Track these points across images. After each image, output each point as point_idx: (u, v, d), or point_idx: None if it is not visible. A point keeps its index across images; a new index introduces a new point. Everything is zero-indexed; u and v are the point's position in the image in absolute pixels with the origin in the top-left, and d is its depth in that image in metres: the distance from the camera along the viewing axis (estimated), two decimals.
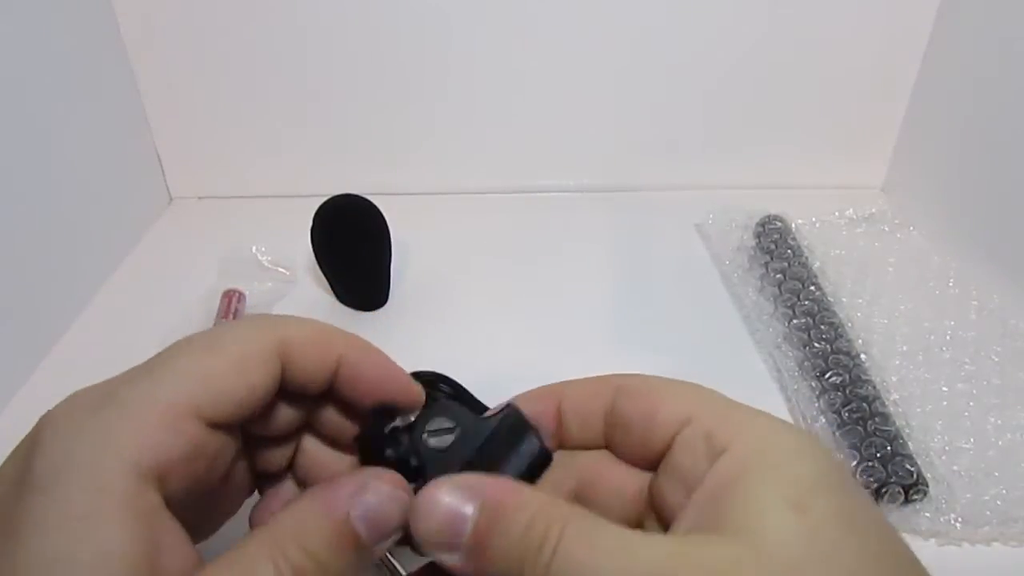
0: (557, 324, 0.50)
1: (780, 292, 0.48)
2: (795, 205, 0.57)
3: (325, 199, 0.48)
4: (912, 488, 0.36)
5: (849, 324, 0.46)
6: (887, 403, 0.40)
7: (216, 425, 0.21)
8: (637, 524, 0.24)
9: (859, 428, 0.39)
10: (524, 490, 0.20)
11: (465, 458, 0.23)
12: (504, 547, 0.19)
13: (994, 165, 0.52)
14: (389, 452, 0.22)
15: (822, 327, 0.45)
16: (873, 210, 0.59)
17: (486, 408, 0.25)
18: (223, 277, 0.52)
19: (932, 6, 0.57)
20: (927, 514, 0.35)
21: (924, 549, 0.35)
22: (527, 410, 0.24)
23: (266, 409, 0.23)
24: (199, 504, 0.22)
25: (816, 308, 0.46)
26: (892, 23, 0.58)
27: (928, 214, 0.58)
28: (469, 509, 0.19)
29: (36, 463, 0.18)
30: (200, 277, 0.52)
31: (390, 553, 0.21)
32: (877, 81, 0.60)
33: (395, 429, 0.23)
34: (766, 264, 0.51)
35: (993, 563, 0.35)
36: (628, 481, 0.23)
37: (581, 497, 0.24)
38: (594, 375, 0.25)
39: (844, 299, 0.49)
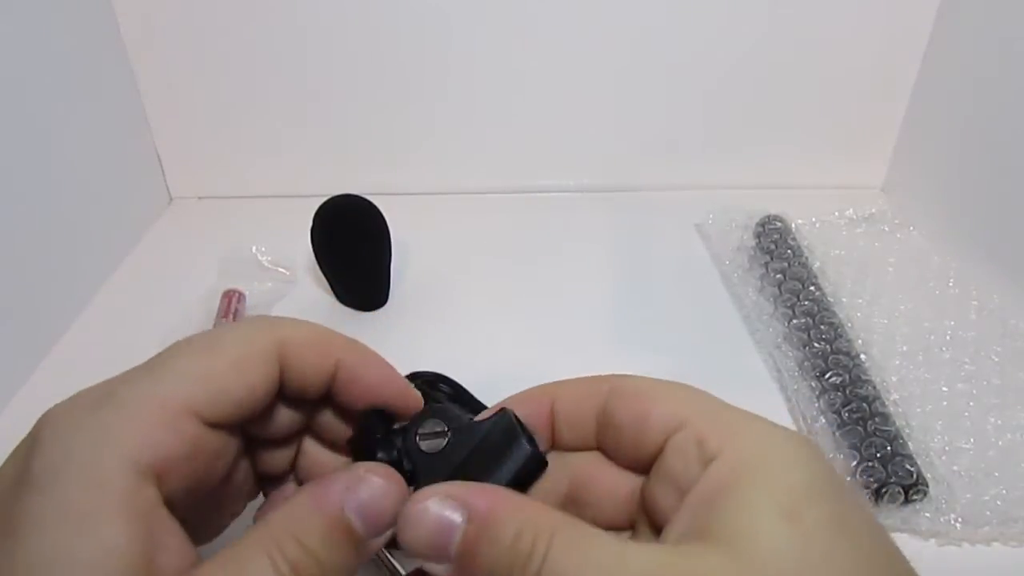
0: (557, 324, 0.50)
1: (780, 292, 0.48)
2: (795, 205, 0.57)
3: (325, 199, 0.48)
4: (912, 488, 0.36)
5: (849, 324, 0.46)
6: (887, 403, 0.40)
7: (215, 425, 0.21)
8: (629, 526, 0.23)
9: (859, 428, 0.39)
10: (513, 498, 0.20)
11: (456, 462, 0.23)
12: (493, 557, 0.19)
13: (994, 165, 0.52)
14: (381, 455, 0.22)
15: (822, 327, 0.45)
16: (873, 210, 0.59)
17: (485, 408, 0.25)
18: (223, 277, 0.52)
19: (932, 6, 0.57)
20: (927, 514, 0.35)
21: (924, 549, 0.35)
22: (520, 412, 0.23)
23: (266, 411, 0.23)
24: (201, 505, 0.22)
25: (816, 308, 0.46)
26: (892, 23, 0.58)
27: (928, 214, 0.58)
28: (457, 518, 0.19)
29: (35, 462, 0.19)
30: (200, 277, 0.52)
31: (389, 552, 0.21)
32: (877, 81, 0.60)
33: (388, 432, 0.23)
34: (766, 264, 0.51)
35: (993, 563, 0.35)
36: (620, 483, 0.23)
37: (573, 499, 0.24)
38: (587, 375, 0.24)
39: (844, 299, 0.49)
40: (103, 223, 0.55)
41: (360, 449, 0.23)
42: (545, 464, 0.23)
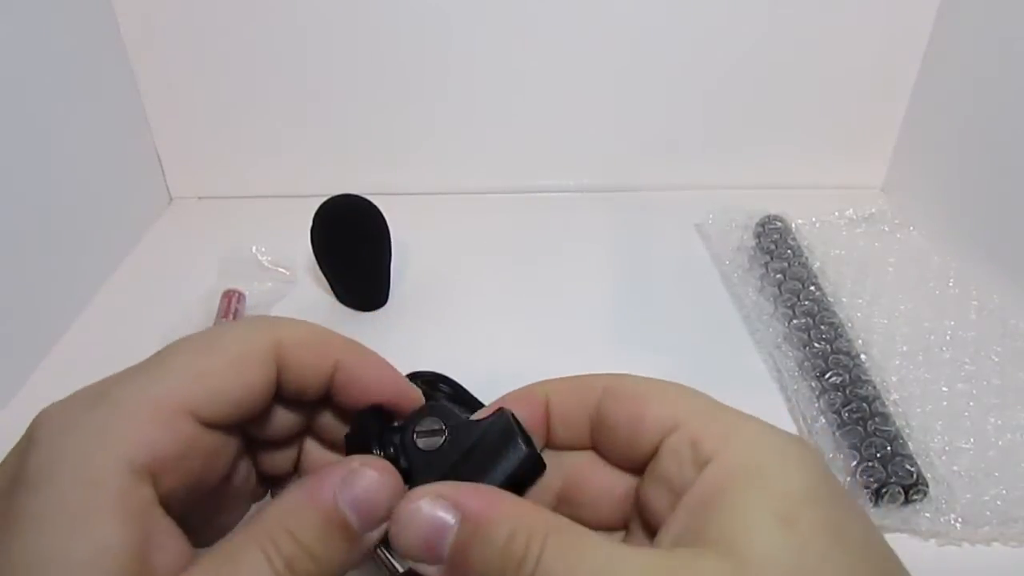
0: (557, 324, 0.50)
1: (780, 292, 0.48)
2: (795, 205, 0.57)
3: (325, 199, 0.48)
4: (912, 488, 0.36)
5: (849, 324, 0.46)
6: (887, 403, 0.40)
7: (212, 425, 0.21)
8: (623, 526, 0.23)
9: (859, 428, 0.39)
10: (506, 499, 0.20)
11: (453, 461, 0.22)
12: (485, 558, 0.19)
13: (994, 165, 0.52)
14: (377, 451, 0.22)
15: (822, 327, 0.45)
16: (873, 210, 0.59)
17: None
18: (223, 277, 0.52)
19: (932, 6, 0.57)
20: (927, 514, 0.35)
21: (924, 549, 0.35)
22: (515, 410, 0.23)
23: (264, 412, 0.23)
24: (201, 505, 0.22)
25: (816, 308, 0.46)
26: (892, 23, 0.58)
27: (928, 214, 0.58)
28: (450, 519, 0.19)
29: (29, 461, 0.18)
30: (200, 277, 0.52)
31: (386, 550, 0.21)
32: (877, 81, 0.60)
33: (385, 429, 0.23)
34: (766, 264, 0.51)
35: (993, 563, 0.35)
36: (615, 483, 0.23)
37: (566, 498, 0.24)
38: (582, 374, 0.24)
39: (844, 299, 0.49)
40: (103, 223, 0.55)
41: (356, 445, 0.23)
42: (543, 466, 0.23)
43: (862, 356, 0.43)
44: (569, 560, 0.18)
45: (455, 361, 0.40)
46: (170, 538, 0.19)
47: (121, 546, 0.18)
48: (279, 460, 0.25)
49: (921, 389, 0.43)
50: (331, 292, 0.52)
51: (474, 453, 0.22)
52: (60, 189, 0.50)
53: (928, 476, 0.36)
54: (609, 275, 0.54)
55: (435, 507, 0.19)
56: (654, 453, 0.21)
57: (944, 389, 0.43)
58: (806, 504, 0.18)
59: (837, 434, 0.39)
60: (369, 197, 0.48)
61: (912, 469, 0.36)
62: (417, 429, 0.23)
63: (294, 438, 0.25)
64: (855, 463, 0.37)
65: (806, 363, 0.43)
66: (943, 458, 0.38)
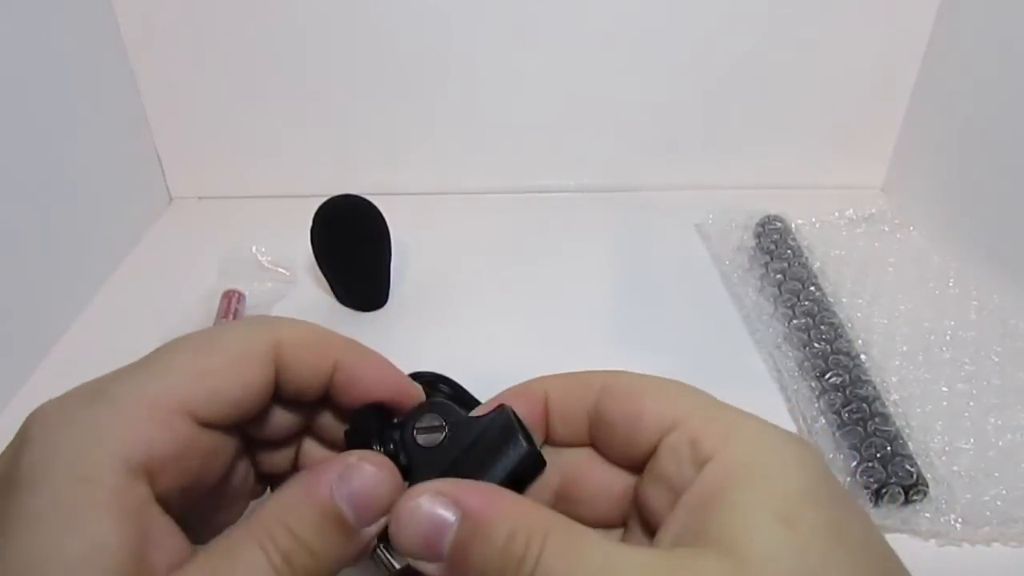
0: (557, 324, 0.50)
1: (780, 292, 0.48)
2: (795, 205, 0.57)
3: (325, 199, 0.47)
4: (912, 488, 0.36)
5: (849, 324, 0.46)
6: (887, 403, 0.40)
7: (211, 425, 0.21)
8: (622, 523, 0.23)
9: (859, 428, 0.38)
10: (506, 497, 0.20)
11: (453, 458, 0.22)
12: (485, 557, 0.19)
13: (994, 165, 0.52)
14: (377, 447, 0.22)
15: (822, 327, 0.45)
16: (873, 210, 0.59)
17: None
18: (223, 277, 0.52)
19: (932, 6, 0.57)
20: (927, 514, 0.35)
21: (924, 549, 0.35)
22: (514, 407, 0.23)
23: (263, 412, 0.23)
24: (200, 503, 0.22)
25: (816, 308, 0.46)
26: (892, 23, 0.58)
27: (928, 214, 0.58)
28: (450, 516, 0.19)
29: (24, 458, 0.18)
30: (200, 277, 0.52)
31: (384, 547, 0.21)
32: (877, 81, 0.60)
33: (385, 425, 0.23)
34: (766, 264, 0.51)
35: (993, 563, 0.35)
36: (613, 481, 0.23)
37: (565, 495, 0.24)
38: (580, 370, 0.24)
39: (844, 299, 0.49)
40: (103, 223, 0.55)
41: (356, 442, 0.23)
42: (543, 463, 0.23)
43: (862, 356, 0.43)
44: (569, 559, 0.18)
45: (455, 361, 0.40)
46: (168, 536, 0.19)
47: (117, 544, 0.17)
48: (278, 459, 0.25)
49: (921, 389, 0.43)
50: (331, 292, 0.52)
51: (474, 450, 0.22)
52: (60, 189, 0.50)
53: (928, 476, 0.36)
54: (609, 275, 0.54)
55: (435, 504, 0.19)
56: (653, 451, 0.21)
57: (944, 389, 0.43)
58: (806, 504, 0.18)
59: (837, 434, 0.39)
60: (369, 197, 0.48)
61: (912, 469, 0.36)
62: (417, 426, 0.23)
63: (293, 438, 0.25)
64: (855, 463, 0.37)
65: (806, 363, 0.43)
66: (943, 458, 0.38)
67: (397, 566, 0.21)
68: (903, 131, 0.62)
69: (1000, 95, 0.51)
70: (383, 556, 0.21)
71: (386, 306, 0.52)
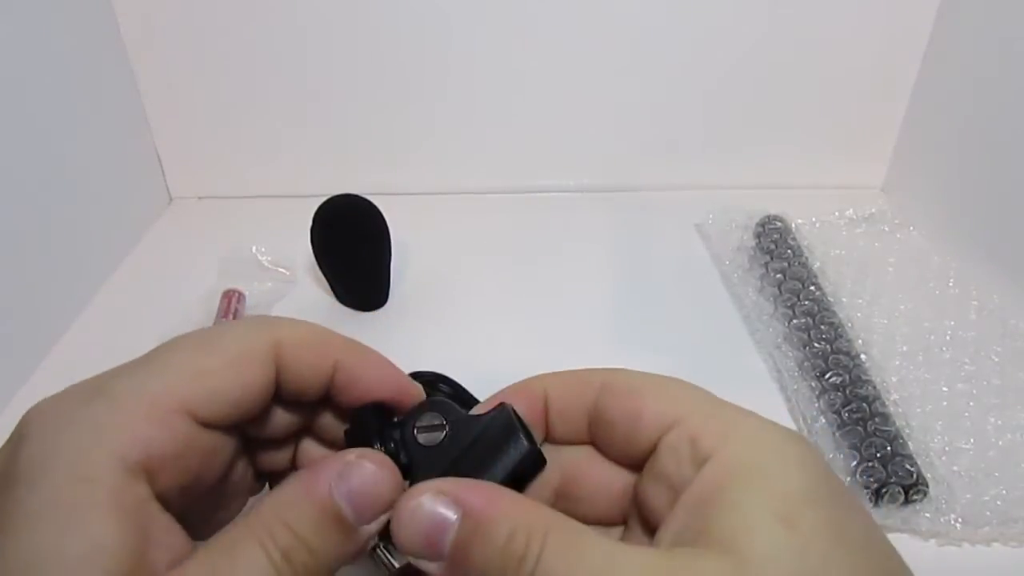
0: (557, 324, 0.50)
1: (780, 292, 0.48)
2: (795, 205, 0.57)
3: (325, 199, 0.47)
4: (912, 488, 0.36)
5: (849, 324, 0.46)
6: (887, 403, 0.40)
7: (210, 425, 0.21)
8: (622, 521, 0.23)
9: (859, 428, 0.38)
10: (507, 496, 0.20)
11: (453, 456, 0.22)
12: (486, 556, 0.19)
13: (994, 165, 0.52)
14: (378, 447, 0.22)
15: (822, 327, 0.45)
16: (873, 210, 0.59)
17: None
18: (223, 277, 0.52)
19: (932, 6, 0.57)
20: (927, 514, 0.35)
21: (924, 549, 0.35)
22: (514, 404, 0.23)
23: (263, 412, 0.23)
24: (199, 501, 0.22)
25: (816, 308, 0.46)
26: (892, 23, 0.58)
27: (928, 214, 0.58)
28: (451, 515, 0.19)
29: (22, 455, 0.18)
30: (200, 277, 0.52)
31: (384, 545, 0.21)
32: (877, 81, 0.60)
33: (385, 425, 0.23)
34: (766, 264, 0.51)
35: (993, 563, 0.35)
36: (613, 479, 0.23)
37: (565, 493, 0.24)
38: (579, 368, 0.24)
39: (844, 299, 0.49)
40: (103, 223, 0.55)
41: (356, 441, 0.23)
42: (544, 462, 0.23)
43: (862, 356, 0.43)
44: (568, 559, 0.18)
45: (455, 361, 0.40)
46: (168, 533, 0.19)
47: (116, 543, 0.17)
48: (277, 457, 0.25)
49: (921, 389, 0.43)
50: (331, 292, 0.52)
51: (475, 448, 0.22)
52: (60, 189, 0.50)
53: (928, 476, 0.36)
54: (609, 275, 0.54)
55: (436, 503, 0.19)
56: (652, 449, 0.21)
57: (944, 389, 0.43)
58: (807, 504, 0.18)
59: (837, 434, 0.39)
60: (369, 197, 0.48)
61: (912, 469, 0.36)
62: (417, 424, 0.23)
63: (292, 437, 0.25)
64: (855, 463, 0.37)
65: (806, 363, 0.43)
66: (943, 458, 0.38)
67: (397, 565, 0.21)
68: (903, 131, 0.62)
69: (1000, 95, 0.51)
70: (383, 555, 0.21)
71: (386, 306, 0.51)
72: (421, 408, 0.24)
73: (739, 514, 0.18)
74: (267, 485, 0.26)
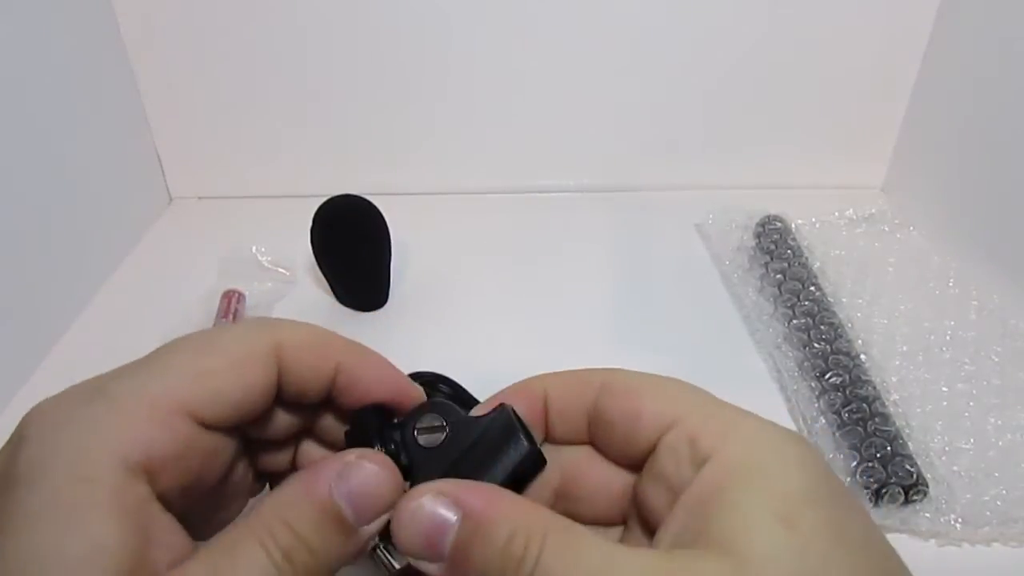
0: (557, 324, 0.50)
1: (780, 292, 0.48)
2: (795, 205, 0.57)
3: (325, 199, 0.47)
4: (912, 488, 0.36)
5: (849, 324, 0.46)
6: (887, 403, 0.40)
7: (211, 426, 0.21)
8: (621, 521, 0.23)
9: (859, 429, 0.38)
10: (507, 498, 0.20)
11: (454, 457, 0.22)
12: (486, 557, 0.19)
13: (994, 165, 0.52)
14: (378, 448, 0.22)
15: (822, 327, 0.45)
16: (873, 210, 0.59)
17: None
18: (223, 277, 0.52)
19: (932, 6, 0.57)
20: (927, 514, 0.35)
21: (924, 549, 0.35)
22: (514, 405, 0.23)
23: (264, 413, 0.23)
24: (200, 502, 0.22)
25: (816, 308, 0.46)
26: (892, 23, 0.58)
27: (928, 214, 0.58)
28: (451, 516, 0.19)
29: (22, 456, 0.18)
30: (200, 277, 0.52)
31: (383, 546, 0.21)
32: (877, 81, 0.60)
33: (386, 426, 0.23)
34: (766, 264, 0.51)
35: (993, 563, 0.35)
36: (613, 479, 0.23)
37: (564, 493, 0.24)
38: (579, 368, 0.24)
39: (844, 299, 0.49)
40: (103, 223, 0.55)
41: (356, 442, 0.23)
42: (544, 462, 0.23)
43: (862, 356, 0.43)
44: (567, 560, 0.18)
45: (455, 361, 0.40)
46: (169, 533, 0.19)
47: (117, 544, 0.17)
48: (277, 458, 0.25)
49: (921, 389, 0.43)
50: (331, 292, 0.52)
51: (475, 449, 0.22)
52: (60, 189, 0.50)
53: (928, 476, 0.36)
54: (609, 275, 0.54)
55: (437, 504, 0.19)
56: (652, 450, 0.21)
57: (944, 389, 0.43)
58: (807, 504, 0.18)
59: (837, 434, 0.39)
60: (369, 197, 0.48)
61: (912, 469, 0.36)
62: (418, 426, 0.23)
63: (293, 438, 0.25)
64: (855, 463, 0.37)
65: (806, 363, 0.43)
66: (943, 458, 0.38)
67: (397, 565, 0.21)
68: (903, 131, 0.62)
69: (1000, 95, 0.51)
70: (383, 555, 0.21)
71: (386, 306, 0.52)
72: (421, 409, 0.24)
73: (739, 514, 0.18)
74: (267, 486, 0.26)
